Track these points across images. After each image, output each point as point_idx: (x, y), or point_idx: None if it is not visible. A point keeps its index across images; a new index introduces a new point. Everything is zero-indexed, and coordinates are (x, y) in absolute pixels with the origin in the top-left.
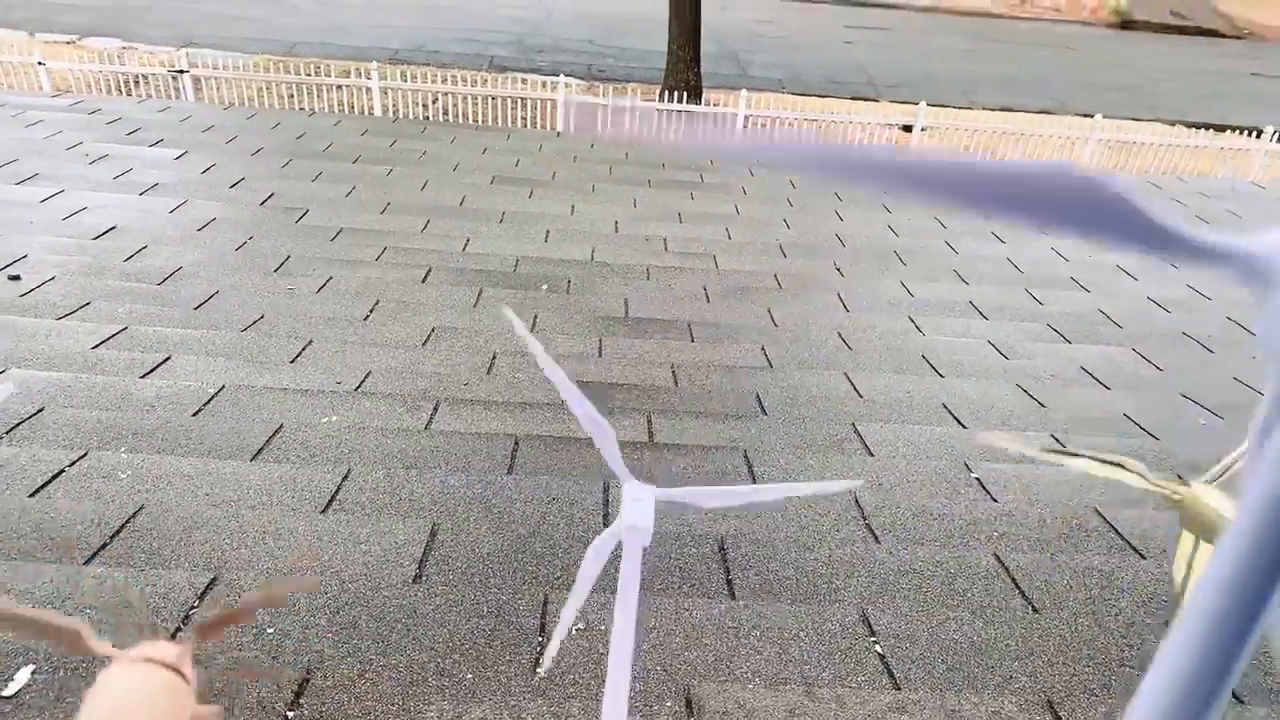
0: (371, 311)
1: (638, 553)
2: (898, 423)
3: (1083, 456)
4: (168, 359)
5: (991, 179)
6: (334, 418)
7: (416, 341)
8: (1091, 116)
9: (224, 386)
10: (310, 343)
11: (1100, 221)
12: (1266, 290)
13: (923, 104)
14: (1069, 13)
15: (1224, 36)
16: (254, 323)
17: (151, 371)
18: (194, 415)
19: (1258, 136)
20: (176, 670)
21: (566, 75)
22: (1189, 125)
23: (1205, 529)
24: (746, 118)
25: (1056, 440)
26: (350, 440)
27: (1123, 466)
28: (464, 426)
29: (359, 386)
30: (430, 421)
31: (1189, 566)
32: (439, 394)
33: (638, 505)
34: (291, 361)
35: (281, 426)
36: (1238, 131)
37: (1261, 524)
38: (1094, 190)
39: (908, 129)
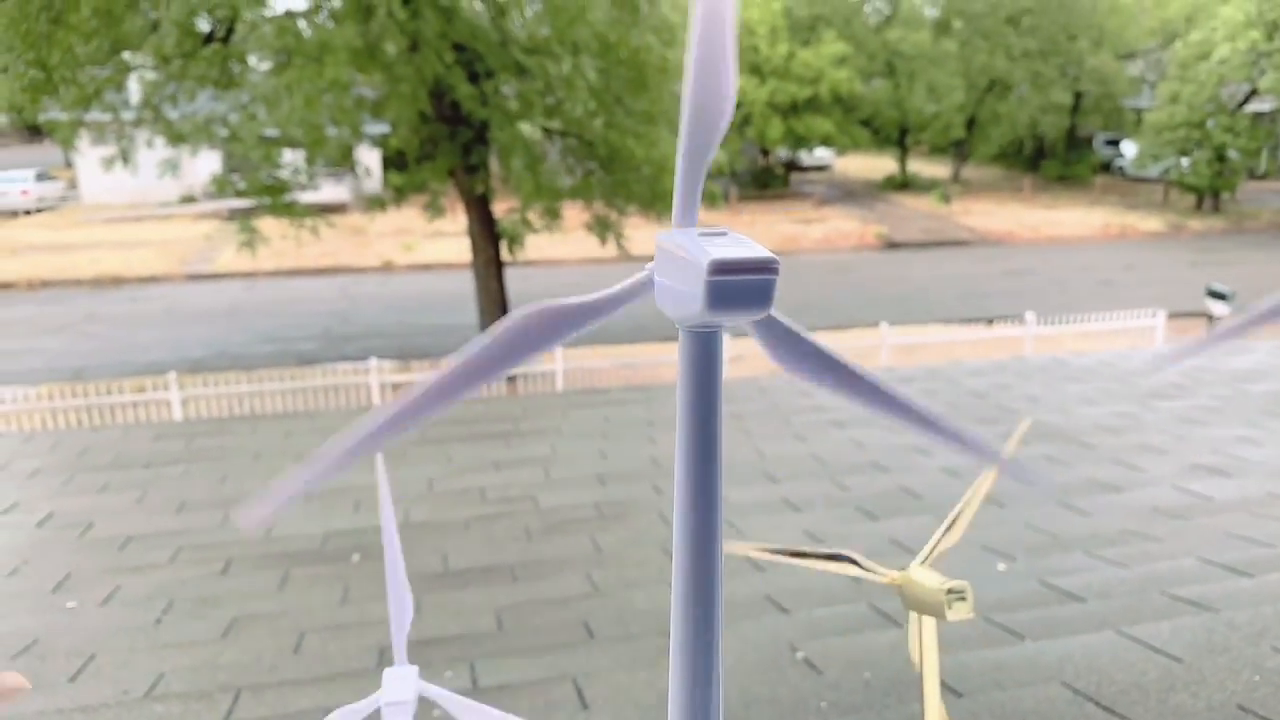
0: (164, 614)
1: None
2: (724, 621)
3: (808, 555)
4: None
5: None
6: None
7: (215, 635)
8: (876, 326)
9: None
10: (93, 657)
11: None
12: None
13: (725, 337)
14: (837, 242)
15: (970, 244)
16: (25, 649)
17: None
18: None
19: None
20: None
21: (378, 358)
22: (963, 322)
23: (923, 605)
24: (564, 371)
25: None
26: None
27: (848, 559)
28: (269, 711)
29: (148, 692)
30: (230, 713)
31: (920, 641)
32: (240, 683)
33: (400, 682)
34: (71, 680)
35: None
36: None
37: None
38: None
39: None
